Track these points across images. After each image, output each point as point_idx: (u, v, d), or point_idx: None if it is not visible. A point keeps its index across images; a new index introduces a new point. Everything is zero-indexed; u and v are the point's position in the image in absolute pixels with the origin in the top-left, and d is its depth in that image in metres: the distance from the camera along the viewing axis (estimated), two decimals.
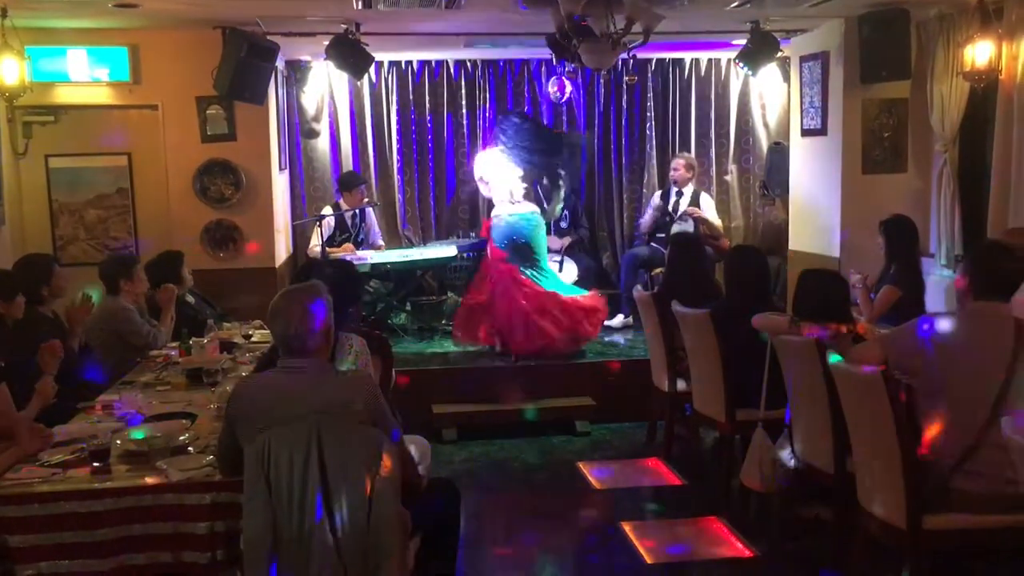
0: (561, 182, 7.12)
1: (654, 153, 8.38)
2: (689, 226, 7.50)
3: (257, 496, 2.75)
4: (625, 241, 8.45)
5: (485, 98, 8.26)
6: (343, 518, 2.75)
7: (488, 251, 6.68)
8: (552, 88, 7.82)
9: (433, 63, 8.17)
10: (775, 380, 4.33)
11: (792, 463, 4.16)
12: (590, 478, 5.37)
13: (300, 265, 7.42)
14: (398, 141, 8.18)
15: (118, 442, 3.26)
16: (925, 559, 3.34)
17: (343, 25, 6.23)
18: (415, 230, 8.28)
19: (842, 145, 6.69)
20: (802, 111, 7.19)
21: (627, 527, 4.61)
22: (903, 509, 3.29)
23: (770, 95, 8.38)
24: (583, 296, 6.66)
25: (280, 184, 7.37)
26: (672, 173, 7.72)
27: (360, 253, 7.30)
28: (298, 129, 7.96)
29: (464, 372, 6.50)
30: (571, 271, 7.56)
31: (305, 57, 7.72)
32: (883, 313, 5.09)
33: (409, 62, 8.14)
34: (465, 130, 8.27)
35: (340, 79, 7.89)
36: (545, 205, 7.01)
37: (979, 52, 5.68)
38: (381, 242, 7.79)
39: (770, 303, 5.08)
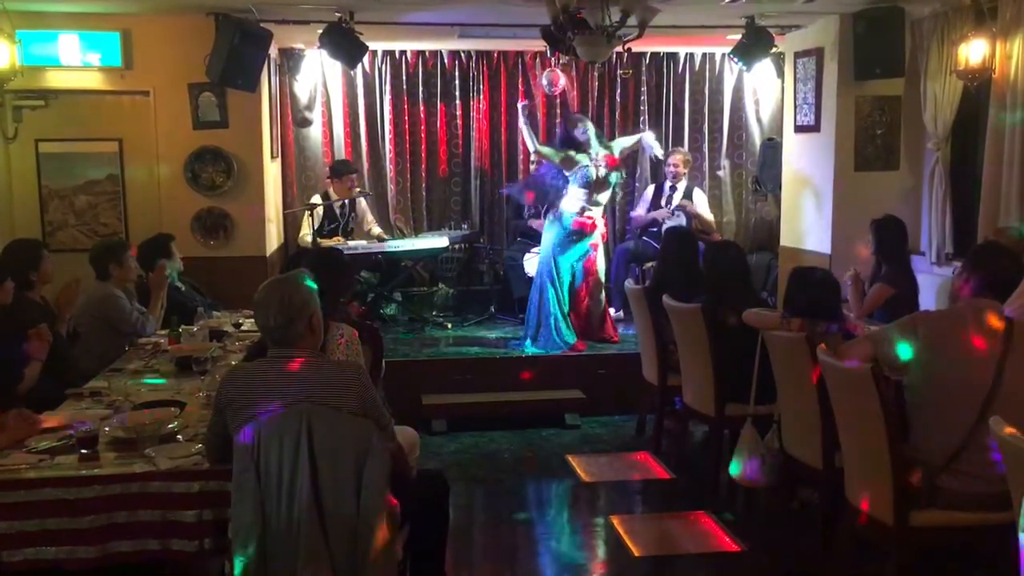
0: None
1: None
2: (681, 220, 7.52)
3: (246, 485, 2.74)
4: (617, 235, 8.45)
5: (478, 89, 8.24)
6: (332, 508, 2.74)
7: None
8: (546, 80, 7.81)
9: (427, 53, 8.15)
10: (765, 375, 4.35)
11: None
12: (579, 471, 5.37)
13: (290, 254, 7.42)
14: (391, 131, 8.15)
15: (106, 429, 3.25)
16: (911, 555, 3.35)
17: (337, 13, 6.21)
18: (406, 220, 8.26)
19: (835, 142, 6.70)
20: (795, 107, 7.20)
21: (616, 520, 4.62)
22: (890, 505, 3.30)
23: (764, 91, 8.39)
24: None
25: (272, 172, 7.34)
26: (671, 169, 7.69)
27: (351, 243, 7.28)
28: (290, 117, 7.93)
29: (454, 363, 6.50)
30: None
31: (298, 45, 7.68)
32: (873, 311, 5.11)
33: (403, 52, 8.11)
34: (458, 121, 8.25)
35: (333, 68, 7.85)
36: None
37: (973, 51, 5.69)
38: (378, 229, 7.76)
39: (758, 298, 5.10)
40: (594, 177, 6.58)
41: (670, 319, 5.19)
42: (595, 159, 6.60)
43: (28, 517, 2.88)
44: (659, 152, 7.20)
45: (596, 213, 6.73)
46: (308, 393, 2.76)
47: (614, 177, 6.73)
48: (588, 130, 6.66)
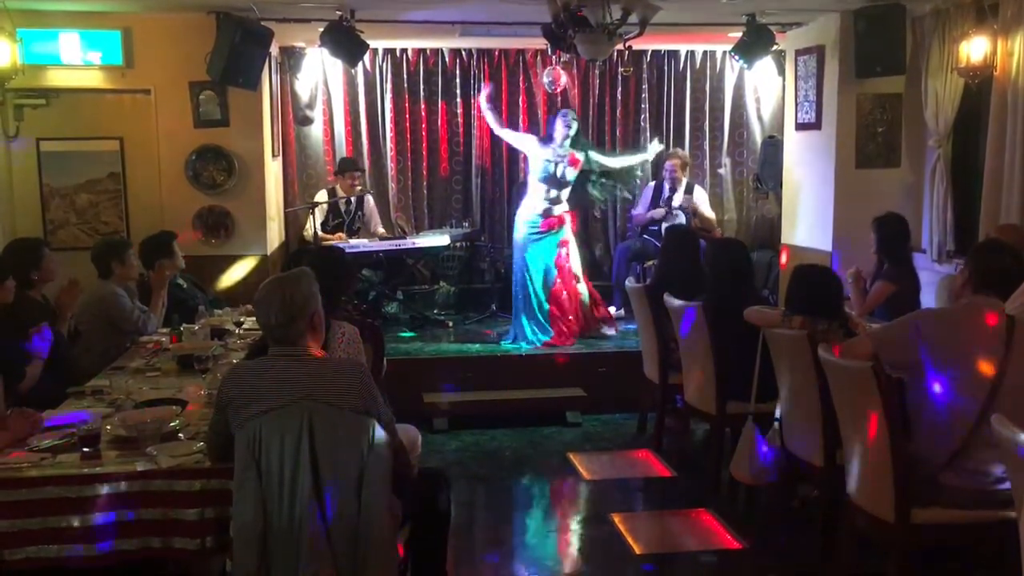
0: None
1: (648, 145, 8.35)
2: (682, 218, 7.51)
3: (247, 483, 2.75)
4: (618, 233, 8.45)
5: (480, 87, 8.22)
6: (333, 506, 2.75)
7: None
8: (547, 78, 7.81)
9: (428, 51, 8.14)
10: (766, 373, 4.34)
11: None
12: (581, 469, 5.38)
13: (291, 252, 7.43)
14: (392, 129, 8.15)
15: (108, 427, 3.25)
16: (911, 553, 3.35)
17: (338, 12, 6.21)
18: (408, 219, 8.26)
19: (836, 139, 6.69)
20: (796, 105, 7.20)
21: (617, 518, 4.62)
22: (891, 503, 3.30)
23: (765, 88, 8.38)
24: None
25: (273, 171, 7.34)
26: (668, 174, 7.65)
27: (353, 241, 7.28)
28: (291, 116, 7.93)
29: (455, 361, 6.50)
30: None
31: (299, 43, 7.68)
32: (875, 308, 5.11)
33: (404, 50, 8.11)
34: (459, 119, 8.25)
35: (334, 66, 7.85)
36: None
37: (974, 48, 5.69)
38: (382, 230, 7.78)
39: (759, 295, 5.10)
40: (552, 172, 6.61)
41: (671, 317, 5.19)
42: (557, 155, 6.60)
43: (30, 515, 2.89)
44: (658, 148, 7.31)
45: (560, 209, 6.75)
46: (309, 391, 2.76)
47: (573, 175, 6.72)
48: (570, 127, 6.63)
